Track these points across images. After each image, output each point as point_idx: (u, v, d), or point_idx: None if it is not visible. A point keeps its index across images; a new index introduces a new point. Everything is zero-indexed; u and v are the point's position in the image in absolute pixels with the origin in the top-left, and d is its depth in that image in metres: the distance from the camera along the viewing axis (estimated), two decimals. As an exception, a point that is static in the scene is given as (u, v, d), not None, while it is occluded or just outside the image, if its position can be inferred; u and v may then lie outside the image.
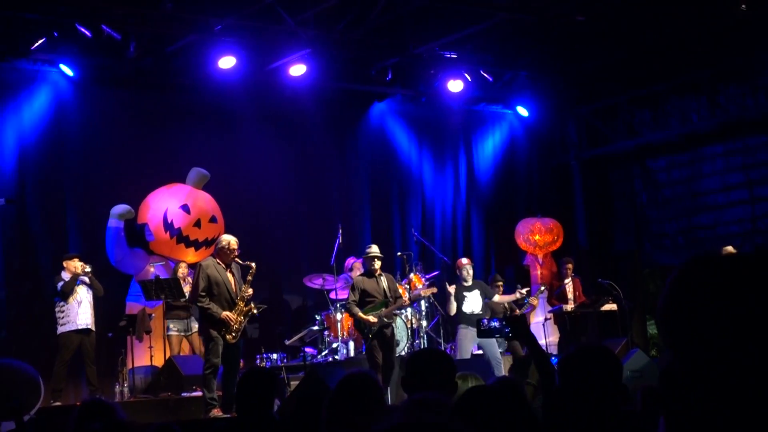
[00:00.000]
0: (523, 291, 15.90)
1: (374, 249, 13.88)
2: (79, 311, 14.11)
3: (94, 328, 14.28)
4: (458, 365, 11.72)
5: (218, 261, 12.42)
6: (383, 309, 13.48)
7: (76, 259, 14.28)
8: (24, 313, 15.39)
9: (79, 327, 14.08)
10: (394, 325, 13.85)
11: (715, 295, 2.07)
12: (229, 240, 12.50)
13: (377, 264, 13.70)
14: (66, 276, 14.20)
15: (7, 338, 15.13)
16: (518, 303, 16.05)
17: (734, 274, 2.09)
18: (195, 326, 14.91)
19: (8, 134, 15.59)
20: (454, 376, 5.35)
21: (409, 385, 5.13)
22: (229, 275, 12.45)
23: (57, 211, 15.99)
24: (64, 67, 15.77)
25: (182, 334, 15.21)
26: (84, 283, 14.24)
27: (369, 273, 13.81)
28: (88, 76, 16.16)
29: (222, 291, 12.30)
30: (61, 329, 14.10)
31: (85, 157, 16.25)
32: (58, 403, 13.48)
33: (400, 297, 13.99)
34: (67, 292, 14.07)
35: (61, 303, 14.09)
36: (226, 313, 12.18)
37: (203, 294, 12.21)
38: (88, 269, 14.21)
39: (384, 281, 13.73)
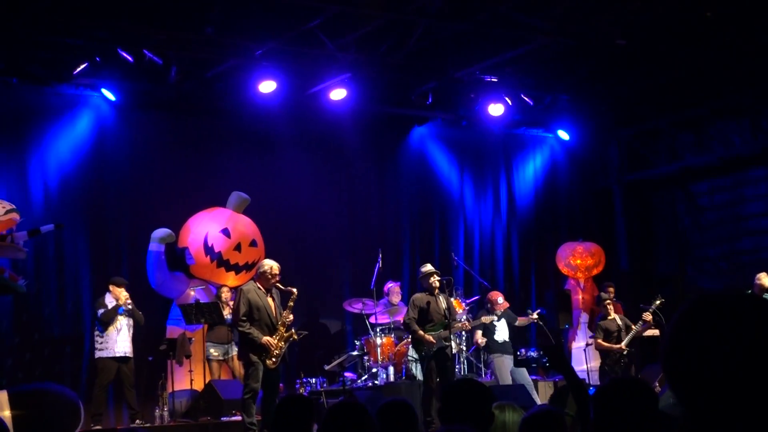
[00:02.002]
0: (534, 315, 15.93)
1: (429, 266, 13.88)
2: (118, 339, 14.14)
3: (131, 355, 14.30)
4: (498, 394, 11.62)
5: (259, 285, 12.41)
6: (442, 330, 13.41)
7: (123, 289, 14.32)
8: (61, 334, 15.45)
9: (117, 354, 14.12)
10: (450, 347, 13.77)
11: (713, 338, 2.03)
12: (271, 265, 12.48)
13: (436, 281, 13.66)
14: (109, 300, 14.24)
15: (47, 359, 15.24)
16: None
17: (733, 316, 2.05)
18: (235, 351, 14.91)
19: (51, 158, 15.69)
20: (491, 407, 5.31)
21: (446, 416, 5.09)
22: (270, 300, 12.43)
23: (98, 235, 16.05)
24: (105, 92, 15.86)
25: (222, 358, 15.21)
26: (125, 312, 14.27)
27: (428, 290, 13.74)
28: (129, 100, 16.25)
29: (263, 316, 12.28)
30: (98, 354, 14.16)
31: (126, 181, 16.33)
32: (98, 428, 13.52)
33: (459, 321, 14.04)
34: (106, 322, 14.12)
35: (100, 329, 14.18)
36: (266, 339, 12.17)
37: (244, 318, 12.20)
38: (130, 303, 14.25)
39: (443, 301, 13.66)
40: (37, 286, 15.22)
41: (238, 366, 15.01)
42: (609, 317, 15.93)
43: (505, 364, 15.07)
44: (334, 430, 4.88)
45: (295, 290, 12.50)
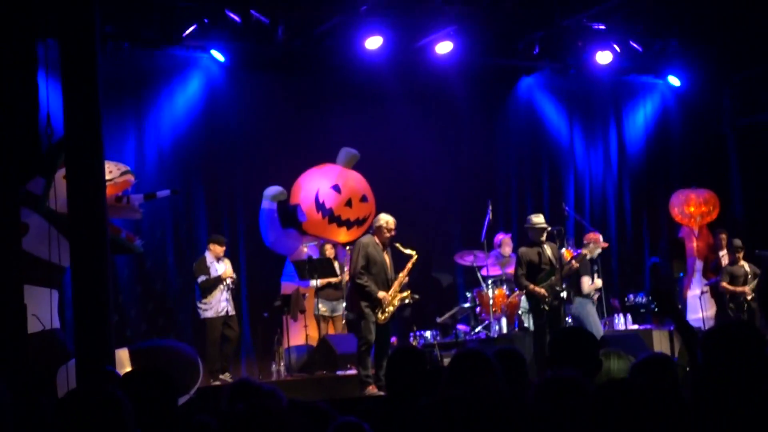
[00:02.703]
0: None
1: (540, 219, 13.66)
2: (221, 298, 14.42)
3: (233, 312, 14.56)
4: (608, 341, 11.50)
5: (377, 240, 12.46)
6: (552, 278, 13.28)
7: (218, 246, 14.52)
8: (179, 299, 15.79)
9: (220, 314, 14.38)
10: (561, 296, 13.52)
11: None
12: (387, 219, 12.52)
13: (544, 235, 13.52)
14: (210, 261, 14.49)
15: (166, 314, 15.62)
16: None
17: None
18: (341, 308, 15.08)
19: (164, 120, 15.96)
20: (598, 354, 5.31)
21: (554, 362, 5.11)
22: (386, 256, 12.49)
23: (211, 194, 16.30)
24: (215, 53, 16.02)
25: (329, 314, 15.34)
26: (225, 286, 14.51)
27: (533, 243, 13.57)
28: (238, 60, 16.38)
29: (379, 271, 12.33)
30: (203, 315, 14.44)
31: (237, 141, 16.52)
32: (217, 383, 13.77)
33: (567, 263, 13.79)
34: (205, 290, 14.39)
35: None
36: (382, 293, 12.23)
37: (362, 271, 12.26)
38: (232, 281, 14.49)
39: (548, 250, 13.49)
40: (158, 243, 15.54)
41: (340, 325, 15.20)
42: (738, 264, 15.76)
43: (593, 311, 14.36)
44: (460, 375, 4.93)
45: (415, 254, 12.54)
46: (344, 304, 14.37)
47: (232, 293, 14.59)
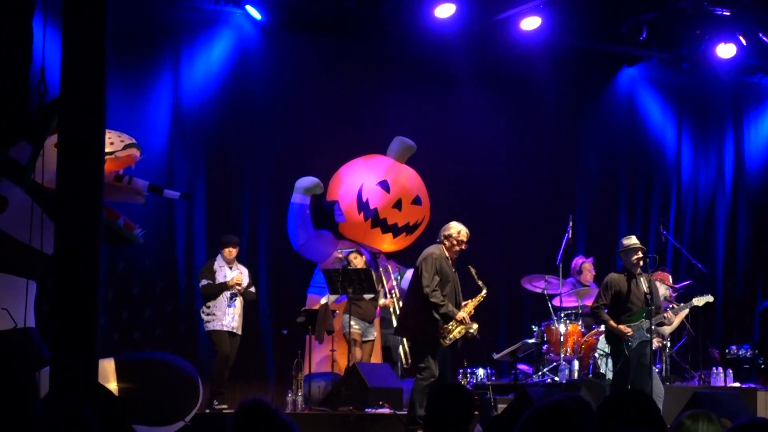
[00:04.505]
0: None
1: (633, 239, 13.49)
2: (228, 311, 14.44)
3: (239, 332, 14.58)
4: (701, 399, 11.39)
5: (447, 254, 12.48)
6: (643, 320, 13.17)
7: (230, 247, 14.57)
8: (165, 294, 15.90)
9: (224, 329, 14.42)
10: (653, 343, 13.43)
11: None
12: (459, 229, 12.46)
13: (640, 258, 13.27)
14: (219, 265, 14.55)
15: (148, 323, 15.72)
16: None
17: None
18: (373, 335, 15.13)
19: (182, 87, 16.01)
20: (658, 415, 5.31)
21: (604, 422, 5.10)
22: (455, 275, 12.51)
23: (230, 180, 16.39)
24: (250, 9, 16.12)
25: (358, 337, 15.32)
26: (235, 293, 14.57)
27: (627, 270, 13.38)
28: (277, 19, 16.45)
29: (450, 291, 12.31)
30: (208, 327, 14.47)
31: (269, 117, 16.57)
32: (223, 407, 13.84)
33: (666, 309, 13.72)
34: (207, 296, 14.48)
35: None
36: (462, 314, 12.26)
37: (437, 288, 12.25)
38: (239, 286, 14.49)
39: (644, 282, 13.26)
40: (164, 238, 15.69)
41: (368, 353, 15.23)
42: None
43: None
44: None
45: (485, 290, 12.57)
46: (380, 329, 14.33)
47: (242, 308, 14.62)
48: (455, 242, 12.40)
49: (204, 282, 14.47)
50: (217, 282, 14.43)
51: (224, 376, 14.38)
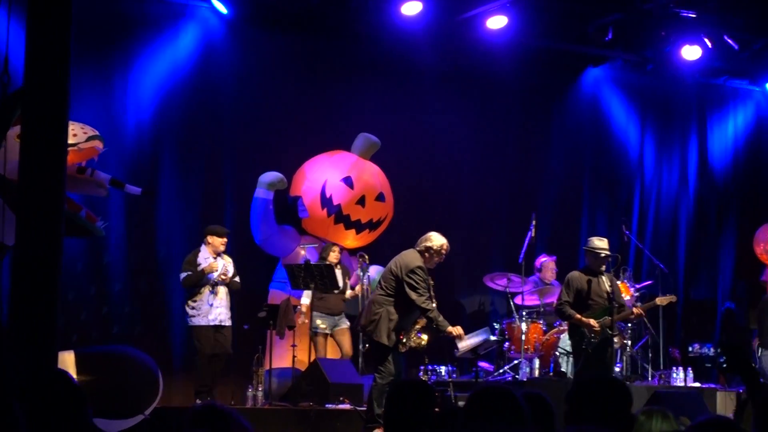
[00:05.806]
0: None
1: (605, 246, 13.60)
2: (214, 302, 14.40)
3: (229, 324, 14.55)
4: (660, 398, 11.50)
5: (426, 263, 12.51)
6: (607, 318, 13.26)
7: (217, 238, 14.50)
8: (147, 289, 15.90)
9: (210, 323, 14.37)
10: (614, 342, 13.61)
11: None
12: (443, 243, 12.59)
13: (604, 265, 13.49)
14: (203, 257, 14.48)
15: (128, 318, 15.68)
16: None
17: None
18: (344, 324, 15.17)
19: (146, 80, 15.94)
20: (628, 410, 5.31)
21: (571, 416, 5.12)
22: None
23: (195, 174, 16.34)
24: (216, 3, 16.09)
25: (329, 332, 15.38)
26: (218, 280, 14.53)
27: (590, 269, 13.57)
28: (244, 14, 16.45)
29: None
30: (191, 321, 14.41)
31: (234, 112, 16.57)
32: (198, 401, 13.73)
33: (625, 305, 13.84)
34: (189, 286, 14.45)
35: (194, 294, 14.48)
36: (454, 329, 12.46)
37: (428, 296, 12.37)
38: (224, 275, 14.44)
39: (606, 282, 13.44)
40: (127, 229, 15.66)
41: (348, 341, 15.26)
42: None
43: None
44: (479, 417, 4.92)
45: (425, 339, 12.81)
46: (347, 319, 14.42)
47: (228, 298, 14.56)
48: (435, 254, 12.50)
49: (184, 275, 14.41)
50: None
51: (207, 373, 14.29)
